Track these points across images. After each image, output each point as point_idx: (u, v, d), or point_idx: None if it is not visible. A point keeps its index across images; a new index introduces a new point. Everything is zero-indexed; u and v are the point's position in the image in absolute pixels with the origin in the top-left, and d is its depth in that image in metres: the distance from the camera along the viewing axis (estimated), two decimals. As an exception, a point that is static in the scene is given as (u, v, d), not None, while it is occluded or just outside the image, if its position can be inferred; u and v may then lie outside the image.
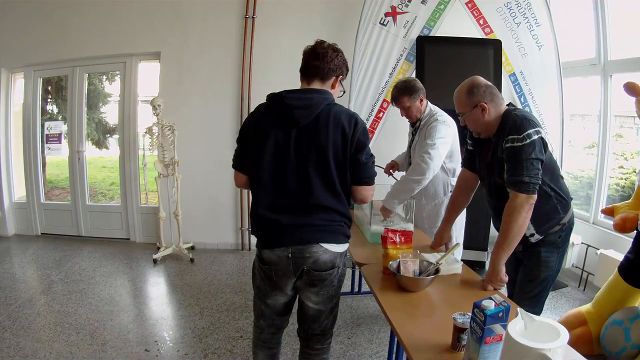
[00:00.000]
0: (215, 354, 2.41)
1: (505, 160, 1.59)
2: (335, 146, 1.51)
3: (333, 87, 1.63)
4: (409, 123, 2.59)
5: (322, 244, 1.54)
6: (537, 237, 1.72)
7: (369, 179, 1.59)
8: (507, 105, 1.72)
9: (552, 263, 1.75)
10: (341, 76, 1.65)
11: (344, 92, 1.70)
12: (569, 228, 1.77)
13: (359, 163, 1.54)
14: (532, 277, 1.76)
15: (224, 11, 3.95)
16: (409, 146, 2.57)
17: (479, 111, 1.65)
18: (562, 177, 1.78)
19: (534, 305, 1.78)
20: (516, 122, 1.57)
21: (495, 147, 1.67)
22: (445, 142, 2.31)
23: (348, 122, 1.53)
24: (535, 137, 1.54)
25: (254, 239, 4.36)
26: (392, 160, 2.74)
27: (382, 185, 2.39)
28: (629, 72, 3.19)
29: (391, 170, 2.71)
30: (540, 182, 1.56)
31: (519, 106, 3.51)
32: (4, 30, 4.10)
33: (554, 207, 1.71)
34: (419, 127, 2.43)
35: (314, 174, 1.51)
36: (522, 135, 1.54)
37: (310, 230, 1.53)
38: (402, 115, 2.51)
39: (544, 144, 1.58)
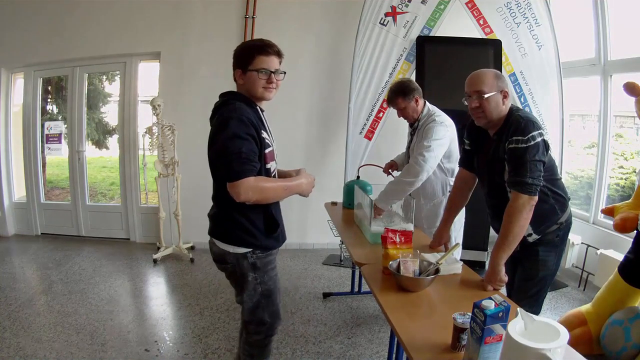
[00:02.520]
0: (215, 354, 2.41)
1: (508, 160, 1.60)
2: (208, 145, 1.60)
3: (236, 80, 1.64)
4: (408, 123, 2.60)
5: (212, 237, 1.72)
6: (534, 236, 1.73)
7: (226, 177, 1.47)
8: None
9: (550, 262, 1.76)
10: (238, 69, 1.60)
11: (262, 71, 1.56)
12: (566, 227, 1.78)
13: (212, 159, 1.57)
14: (530, 277, 1.77)
15: (224, 11, 3.95)
16: (408, 147, 2.57)
17: (501, 97, 1.65)
18: (560, 178, 1.78)
19: (533, 305, 1.78)
20: (521, 123, 1.58)
21: (496, 147, 1.67)
22: (442, 144, 2.31)
23: (215, 118, 1.59)
24: (538, 139, 1.55)
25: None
26: (392, 160, 2.74)
27: (381, 186, 2.40)
28: (629, 72, 3.19)
29: (390, 170, 2.72)
30: (541, 184, 1.57)
31: (519, 106, 3.51)
32: (4, 30, 4.10)
33: (552, 207, 1.72)
34: (417, 128, 2.43)
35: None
36: (526, 137, 1.54)
37: (210, 222, 1.74)
38: (398, 117, 2.51)
39: (546, 146, 1.59)
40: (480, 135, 1.80)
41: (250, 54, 1.57)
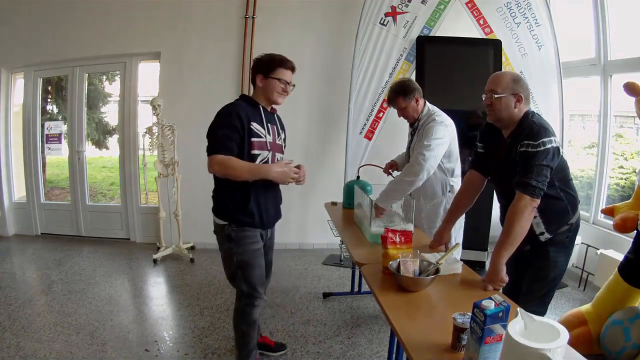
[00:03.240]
0: (215, 354, 2.41)
1: (518, 162, 1.63)
2: None
3: (254, 82, 1.97)
4: (408, 123, 2.60)
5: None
6: (546, 235, 1.75)
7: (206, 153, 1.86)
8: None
9: (560, 262, 1.78)
10: (260, 74, 1.94)
11: (281, 80, 1.93)
12: (576, 228, 1.80)
13: None
14: (541, 277, 1.78)
15: (224, 11, 3.95)
16: (408, 147, 2.56)
17: (513, 100, 1.68)
18: (572, 179, 1.81)
19: (541, 305, 1.80)
20: (533, 129, 1.61)
21: (510, 149, 1.70)
22: (442, 143, 2.31)
23: None
24: (549, 145, 1.58)
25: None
26: (392, 160, 2.74)
27: (381, 186, 2.40)
28: (629, 72, 3.20)
29: (390, 170, 2.71)
30: (545, 188, 1.60)
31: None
32: (4, 30, 4.09)
33: (564, 207, 1.74)
34: (417, 128, 2.43)
35: None
36: (537, 142, 1.58)
37: None
38: (399, 116, 2.52)
39: (557, 152, 1.61)
40: (494, 138, 1.82)
41: (273, 65, 1.93)
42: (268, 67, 1.92)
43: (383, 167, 2.73)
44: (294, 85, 1.98)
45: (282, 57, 1.95)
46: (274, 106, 2.03)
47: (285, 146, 2.10)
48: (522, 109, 1.70)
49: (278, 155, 2.01)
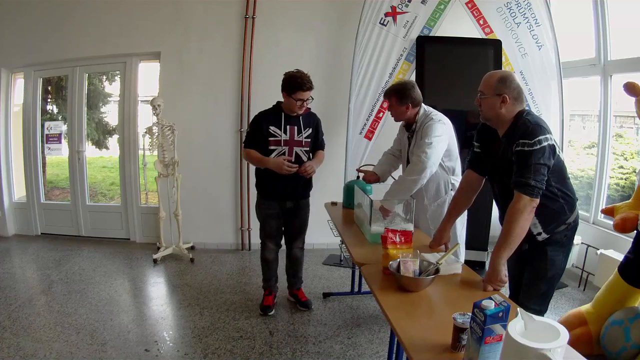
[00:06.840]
0: (215, 354, 2.41)
1: (514, 162, 1.62)
2: None
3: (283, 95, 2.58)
4: (400, 127, 2.60)
5: None
6: (543, 235, 1.74)
7: None
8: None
9: (558, 261, 1.78)
10: (284, 91, 2.52)
11: (299, 101, 2.51)
12: (574, 227, 1.80)
13: None
14: (540, 276, 1.78)
15: (224, 11, 3.95)
16: (407, 150, 2.55)
17: (498, 100, 1.67)
18: (569, 178, 1.80)
19: (541, 304, 1.80)
20: (528, 127, 1.60)
21: (505, 149, 1.69)
22: (442, 140, 2.31)
23: None
24: (545, 143, 1.57)
25: (254, 239, 4.35)
26: (371, 171, 2.66)
27: (381, 186, 2.40)
28: (629, 72, 3.19)
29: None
30: (544, 187, 1.59)
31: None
32: (4, 30, 4.10)
33: (561, 207, 1.74)
34: (415, 130, 2.43)
35: None
36: (533, 141, 1.57)
37: None
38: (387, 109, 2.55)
39: (553, 150, 1.61)
40: (491, 138, 1.82)
41: (294, 88, 2.47)
42: (290, 88, 2.48)
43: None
44: (312, 98, 2.55)
45: (301, 81, 2.44)
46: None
47: (311, 139, 2.65)
48: (512, 109, 1.68)
49: (297, 149, 2.61)
